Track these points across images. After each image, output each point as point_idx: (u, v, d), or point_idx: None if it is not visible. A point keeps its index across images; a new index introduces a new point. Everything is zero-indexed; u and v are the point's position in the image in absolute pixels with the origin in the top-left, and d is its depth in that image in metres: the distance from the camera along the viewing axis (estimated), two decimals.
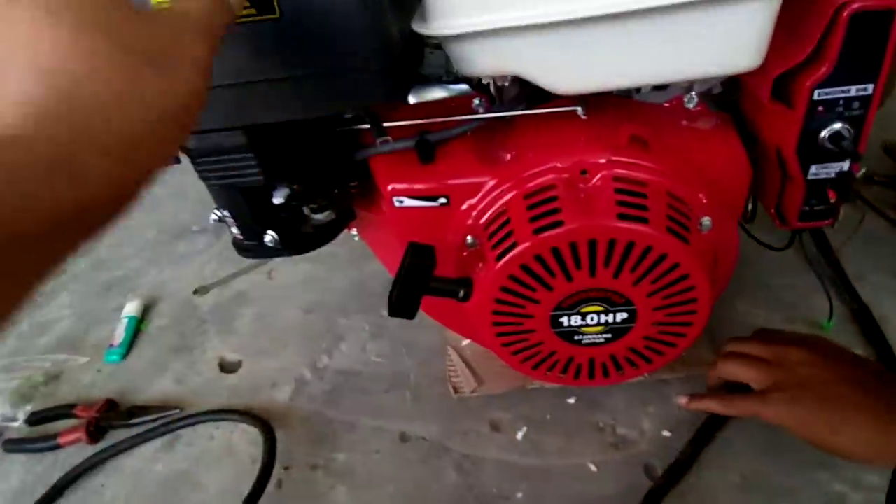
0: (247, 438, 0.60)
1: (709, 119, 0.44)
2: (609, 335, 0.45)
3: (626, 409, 0.56)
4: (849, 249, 0.65)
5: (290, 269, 0.83)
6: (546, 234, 0.39)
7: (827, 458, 0.43)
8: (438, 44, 0.41)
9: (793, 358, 0.44)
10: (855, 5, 0.33)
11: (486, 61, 0.36)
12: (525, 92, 0.41)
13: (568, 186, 0.40)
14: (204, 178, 0.43)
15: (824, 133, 0.39)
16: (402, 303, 0.43)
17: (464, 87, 0.47)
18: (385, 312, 0.69)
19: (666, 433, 0.54)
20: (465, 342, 0.64)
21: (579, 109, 0.40)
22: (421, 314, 0.67)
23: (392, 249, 0.53)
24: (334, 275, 0.80)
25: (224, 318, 0.77)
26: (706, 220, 0.41)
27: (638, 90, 0.44)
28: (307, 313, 0.75)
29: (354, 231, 0.57)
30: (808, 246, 0.67)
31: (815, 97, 0.37)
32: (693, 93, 0.42)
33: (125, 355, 0.74)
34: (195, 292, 0.83)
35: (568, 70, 0.36)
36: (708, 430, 0.52)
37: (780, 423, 0.43)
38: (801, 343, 0.46)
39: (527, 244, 0.39)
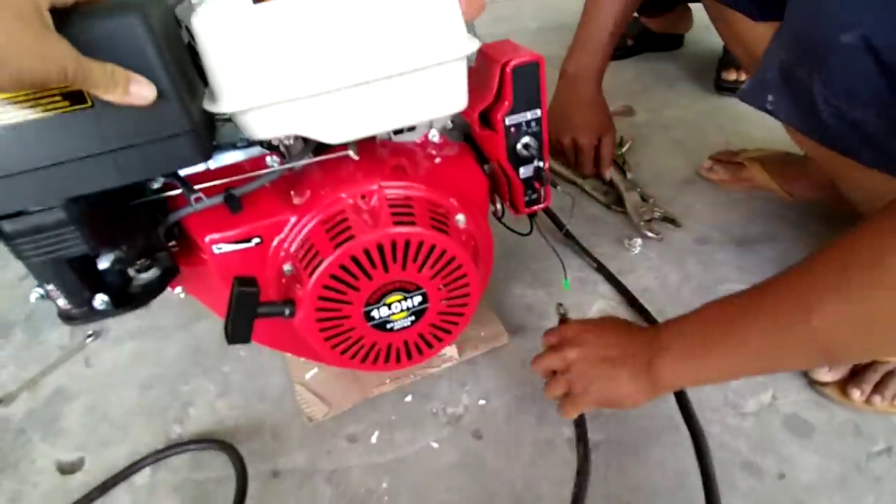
0: None
1: (451, 148, 0.60)
2: (413, 317, 0.56)
3: (450, 393, 0.69)
4: (578, 229, 0.88)
5: (112, 351, 0.81)
6: (344, 246, 0.50)
7: None
8: (228, 118, 0.49)
9: (569, 358, 0.56)
10: (513, 62, 0.52)
11: (268, 127, 0.47)
12: (308, 146, 0.52)
13: (354, 210, 0.52)
14: (23, 258, 0.45)
15: (519, 146, 0.57)
16: (237, 329, 0.50)
17: (257, 149, 0.56)
18: (227, 368, 0.75)
19: (482, 402, 0.68)
20: (308, 375, 0.72)
21: (351, 153, 0.53)
22: (263, 361, 0.74)
23: (219, 294, 0.59)
24: (164, 345, 0.80)
25: (46, 421, 0.72)
26: (461, 217, 0.55)
27: (397, 132, 0.58)
28: (145, 390, 0.75)
29: (179, 289, 0.61)
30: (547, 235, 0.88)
31: (507, 123, 0.55)
32: (434, 130, 0.58)
33: None
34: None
35: (333, 125, 0.48)
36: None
37: (585, 410, 0.58)
38: (569, 342, 0.57)
39: (331, 257, 0.50)
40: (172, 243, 0.55)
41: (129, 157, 0.42)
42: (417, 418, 0.67)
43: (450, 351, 0.72)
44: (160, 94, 0.39)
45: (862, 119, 0.47)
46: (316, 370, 0.72)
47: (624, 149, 1.02)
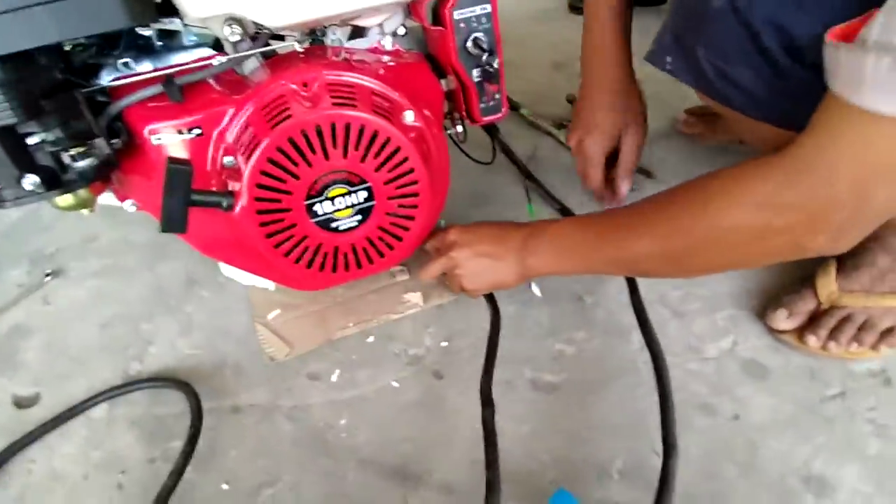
0: (71, 458, 0.60)
1: (404, 55, 0.57)
2: (359, 216, 0.54)
3: (413, 334, 0.69)
4: (548, 178, 0.87)
5: (72, 290, 0.80)
6: (280, 126, 0.48)
7: None
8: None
9: (455, 259, 0.64)
10: None
11: (206, 4, 0.44)
12: (256, 44, 0.50)
13: (293, 95, 0.50)
14: None
15: (469, 43, 0.55)
16: (172, 214, 0.48)
17: (207, 50, 0.54)
18: (190, 308, 0.74)
19: (444, 343, 0.68)
20: (271, 315, 0.71)
21: (297, 46, 0.51)
22: (227, 302, 0.73)
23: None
24: (126, 286, 0.79)
25: (4, 356, 0.71)
26: (409, 114, 0.53)
27: (351, 37, 0.55)
28: (104, 328, 0.74)
29: (130, 202, 0.59)
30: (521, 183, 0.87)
31: (456, 17, 0.53)
32: (388, 36, 0.55)
33: None
34: None
35: (273, 8, 0.46)
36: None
37: (464, 289, 0.66)
38: (453, 244, 0.64)
39: (269, 139, 0.48)
40: (115, 140, 0.52)
41: (57, 11, 0.40)
42: (379, 358, 0.67)
43: (414, 298, 0.71)
44: None
45: (738, 76, 0.54)
46: (279, 311, 0.71)
47: None
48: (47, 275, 0.81)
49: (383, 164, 0.52)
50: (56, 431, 0.63)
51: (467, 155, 0.70)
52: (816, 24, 0.45)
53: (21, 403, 0.67)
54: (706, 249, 0.51)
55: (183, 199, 0.47)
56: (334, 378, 0.65)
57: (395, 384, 0.64)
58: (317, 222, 0.53)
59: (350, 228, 0.55)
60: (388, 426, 0.61)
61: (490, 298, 0.69)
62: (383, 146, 0.50)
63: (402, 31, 0.57)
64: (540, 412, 0.60)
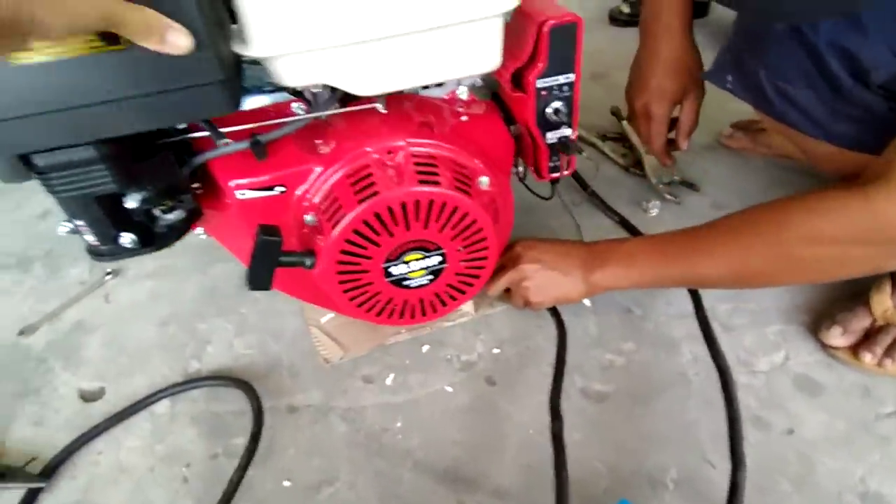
0: (137, 451, 0.63)
1: (478, 106, 0.59)
2: (430, 276, 0.57)
3: (464, 341, 0.70)
4: (598, 189, 0.88)
5: (130, 289, 0.82)
6: (368, 202, 0.50)
7: None
8: (255, 60, 0.48)
9: (522, 273, 0.65)
10: (551, 22, 0.50)
11: (299, 75, 0.46)
12: (335, 95, 0.51)
13: (379, 165, 0.52)
14: (54, 192, 0.45)
15: (549, 110, 0.55)
16: (259, 276, 0.51)
17: (283, 94, 0.55)
18: (244, 309, 0.76)
19: (496, 350, 0.69)
20: (324, 319, 0.73)
21: (379, 106, 0.52)
22: (278, 305, 0.75)
23: (240, 239, 0.59)
24: (181, 285, 0.82)
25: (67, 351, 0.74)
26: (484, 180, 0.55)
27: (424, 87, 0.57)
28: (163, 326, 0.76)
29: (200, 230, 0.61)
30: (563, 195, 0.88)
31: (539, 85, 0.53)
32: (463, 87, 0.56)
33: None
34: (20, 333, 0.78)
35: (365, 77, 0.47)
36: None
37: (529, 303, 0.66)
38: (519, 258, 0.66)
39: (355, 212, 0.50)
40: (196, 185, 0.55)
41: (160, 102, 0.41)
42: (432, 363, 0.68)
43: (466, 307, 0.73)
44: (197, 45, 0.37)
45: (800, 96, 0.55)
46: (332, 314, 0.73)
47: None
48: (107, 274, 0.85)
49: (459, 233, 0.54)
50: (121, 425, 0.66)
51: (529, 189, 0.72)
52: (882, 49, 0.45)
53: (86, 397, 0.70)
54: (780, 273, 0.52)
55: (271, 264, 0.50)
56: (388, 382, 0.67)
57: (448, 389, 0.66)
58: (391, 281, 0.55)
59: (421, 286, 0.57)
60: (441, 430, 0.62)
61: (555, 313, 0.71)
62: (462, 219, 0.52)
63: (478, 82, 0.58)
64: (590, 421, 0.61)
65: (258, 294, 0.79)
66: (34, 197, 1.01)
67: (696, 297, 0.67)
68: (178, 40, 0.36)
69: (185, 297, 0.80)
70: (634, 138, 0.94)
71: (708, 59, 1.20)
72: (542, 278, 0.65)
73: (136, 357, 0.73)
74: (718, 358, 0.59)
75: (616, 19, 1.34)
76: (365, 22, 0.43)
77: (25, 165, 0.43)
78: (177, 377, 0.70)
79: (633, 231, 0.82)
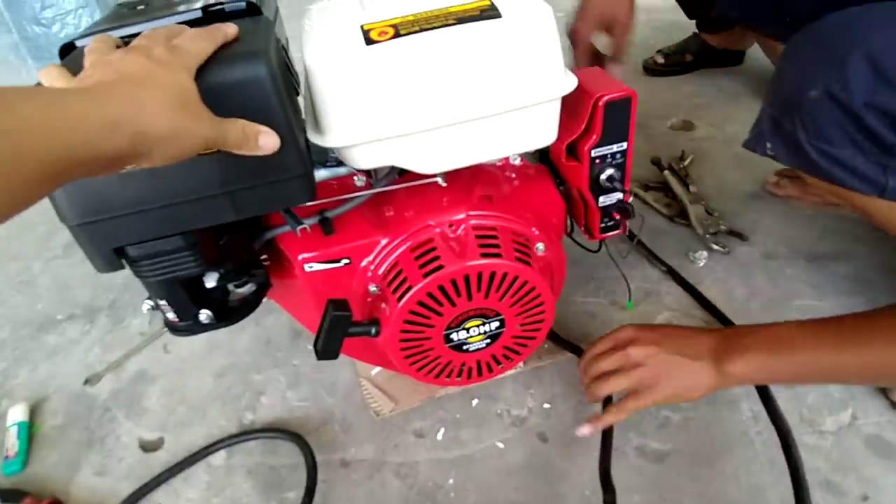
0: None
1: (530, 170, 0.61)
2: (488, 340, 0.58)
3: (515, 395, 0.71)
4: (644, 240, 0.88)
5: (188, 340, 0.85)
6: (432, 276, 0.51)
7: None
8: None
9: (634, 356, 0.57)
10: (606, 97, 0.52)
11: (371, 159, 0.48)
12: (396, 169, 0.54)
13: (442, 238, 0.54)
14: (142, 277, 0.48)
15: (603, 176, 0.57)
16: (328, 347, 0.53)
17: (345, 168, 0.58)
18: (297, 361, 0.78)
19: (546, 405, 0.69)
20: (374, 371, 0.75)
21: (440, 179, 0.54)
22: (327, 367, 0.77)
23: (305, 306, 0.62)
24: (236, 337, 0.84)
25: (130, 401, 0.77)
26: (540, 246, 0.56)
27: None
28: (219, 377, 0.79)
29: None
30: (610, 246, 0.88)
31: (593, 155, 0.55)
32: (516, 154, 0.58)
33: (25, 464, 0.71)
34: (86, 382, 0.81)
35: (432, 158, 0.49)
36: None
37: (652, 404, 0.57)
38: (631, 342, 0.58)
39: (420, 286, 0.51)
40: (264, 256, 0.58)
41: (248, 196, 0.44)
42: (483, 418, 0.69)
43: None
44: (281, 142, 0.40)
45: (844, 156, 0.55)
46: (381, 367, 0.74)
47: (686, 162, 1.02)
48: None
49: (518, 300, 0.55)
50: (180, 476, 0.67)
51: (575, 241, 0.73)
52: None
53: (147, 447, 0.72)
54: None
55: (340, 337, 0.52)
56: (439, 436, 0.67)
57: (500, 445, 0.66)
58: (451, 346, 0.57)
59: (479, 349, 0.58)
60: (496, 489, 0.62)
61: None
62: (521, 287, 0.54)
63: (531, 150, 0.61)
64: (649, 482, 0.60)
65: (310, 346, 0.81)
66: None
67: None
68: (269, 142, 0.39)
69: (240, 348, 0.83)
70: (677, 188, 0.94)
71: (747, 103, 1.20)
72: (664, 367, 0.56)
73: (194, 407, 0.75)
74: (778, 419, 0.58)
75: (651, 70, 1.36)
76: (434, 112, 0.46)
77: (119, 256, 0.46)
78: (232, 428, 0.72)
79: (681, 282, 0.81)
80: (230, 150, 0.37)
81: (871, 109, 0.51)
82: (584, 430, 0.57)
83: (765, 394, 0.61)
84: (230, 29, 0.41)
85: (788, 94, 0.58)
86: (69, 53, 0.45)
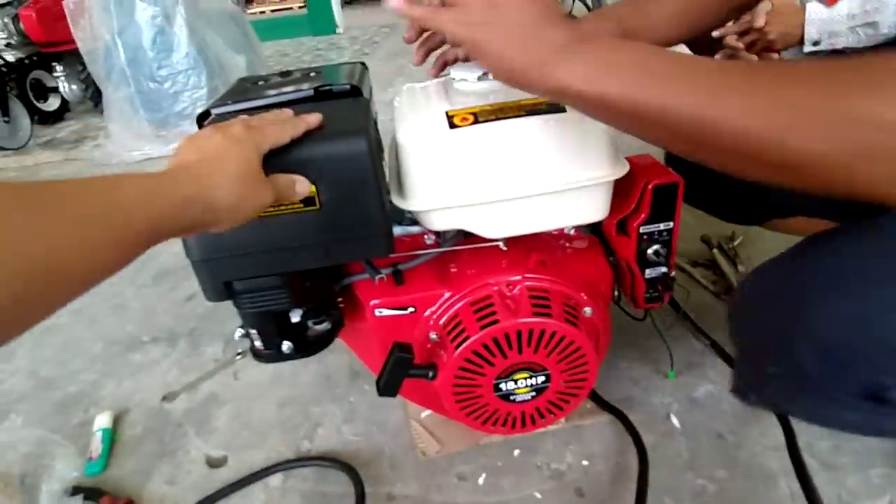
0: None
1: (582, 241, 0.67)
2: (534, 393, 0.63)
3: (555, 450, 0.74)
4: (689, 313, 0.91)
5: (255, 370, 0.94)
6: (488, 329, 0.58)
7: None
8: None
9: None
10: (654, 181, 0.58)
11: (445, 222, 0.57)
12: (462, 231, 0.61)
13: (499, 296, 0.60)
14: (241, 308, 0.57)
15: (650, 251, 0.62)
16: (389, 386, 0.59)
17: (416, 227, 0.66)
18: (353, 398, 0.85)
19: (585, 462, 0.72)
20: (424, 414, 0.80)
21: (501, 244, 0.62)
22: (382, 399, 0.83)
23: (370, 348, 0.69)
24: (300, 371, 0.92)
25: (200, 420, 0.85)
26: (588, 310, 0.62)
27: None
28: (281, 407, 0.86)
29: None
30: (655, 317, 0.92)
31: (641, 231, 0.61)
32: (571, 226, 0.65)
33: (106, 466, 0.79)
34: (163, 399, 0.90)
35: (496, 225, 0.57)
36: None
37: (459, 36, 0.44)
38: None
39: (476, 337, 0.58)
40: (340, 299, 0.65)
41: (340, 246, 0.53)
42: (523, 468, 0.72)
43: None
44: (371, 203, 0.50)
45: (850, 419, 0.48)
46: (431, 411, 0.80)
47: (736, 242, 1.05)
48: (238, 354, 0.97)
49: (564, 358, 0.61)
50: (240, 493, 0.74)
51: (622, 309, 0.77)
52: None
53: (212, 463, 0.79)
54: (801, 131, 0.34)
55: (401, 377, 0.59)
56: (480, 481, 0.71)
57: (537, 495, 0.69)
58: (499, 395, 0.63)
59: (525, 401, 0.64)
60: None
61: (638, 443, 0.71)
62: (568, 346, 0.60)
63: None
64: None
65: (367, 385, 0.88)
66: (184, 283, 1.19)
67: (788, 430, 0.67)
68: (303, 189, 0.47)
69: (302, 381, 0.90)
70: (725, 266, 0.98)
71: None
72: (487, 16, 0.43)
73: (257, 431, 0.82)
74: (815, 500, 0.59)
75: (673, 160, 1.41)
76: (503, 186, 0.54)
77: (226, 289, 0.55)
78: (290, 454, 0.78)
79: (724, 356, 0.83)
80: (280, 201, 0.46)
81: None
82: (393, 3, 0.47)
83: (802, 472, 0.62)
84: (313, 119, 0.49)
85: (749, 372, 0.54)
86: (205, 119, 0.56)
